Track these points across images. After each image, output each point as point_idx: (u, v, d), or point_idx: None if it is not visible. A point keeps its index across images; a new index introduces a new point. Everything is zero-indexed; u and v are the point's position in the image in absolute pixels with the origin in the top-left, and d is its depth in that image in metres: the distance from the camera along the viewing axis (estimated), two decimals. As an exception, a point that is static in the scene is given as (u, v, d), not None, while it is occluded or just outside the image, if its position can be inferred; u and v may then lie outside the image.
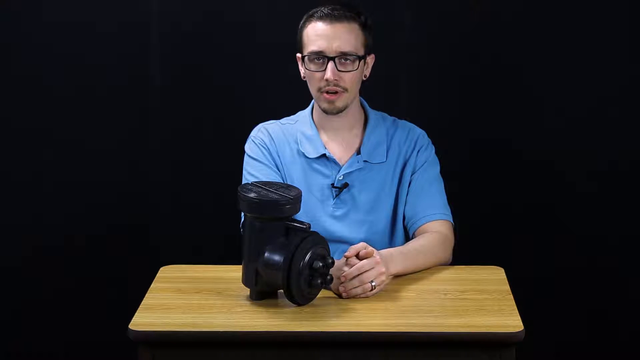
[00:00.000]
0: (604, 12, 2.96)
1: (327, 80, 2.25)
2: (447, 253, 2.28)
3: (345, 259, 2.07)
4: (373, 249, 2.08)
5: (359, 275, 2.03)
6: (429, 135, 2.41)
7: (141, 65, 3.01)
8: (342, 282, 2.04)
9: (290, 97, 2.51)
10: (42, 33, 2.98)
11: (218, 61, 3.01)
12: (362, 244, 2.09)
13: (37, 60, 3.00)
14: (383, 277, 2.06)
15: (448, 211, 2.35)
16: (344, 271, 2.04)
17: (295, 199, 1.99)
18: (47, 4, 2.97)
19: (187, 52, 3.01)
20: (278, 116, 2.44)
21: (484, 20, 2.98)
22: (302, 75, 2.34)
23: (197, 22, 3.00)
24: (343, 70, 2.26)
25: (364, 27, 2.29)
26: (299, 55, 2.33)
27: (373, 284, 2.03)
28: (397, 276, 2.15)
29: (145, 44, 3.00)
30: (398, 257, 2.14)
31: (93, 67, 3.00)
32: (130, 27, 2.99)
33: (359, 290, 2.04)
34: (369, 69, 2.34)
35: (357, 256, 2.07)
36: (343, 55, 2.25)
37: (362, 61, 2.29)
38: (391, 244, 2.35)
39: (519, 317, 1.94)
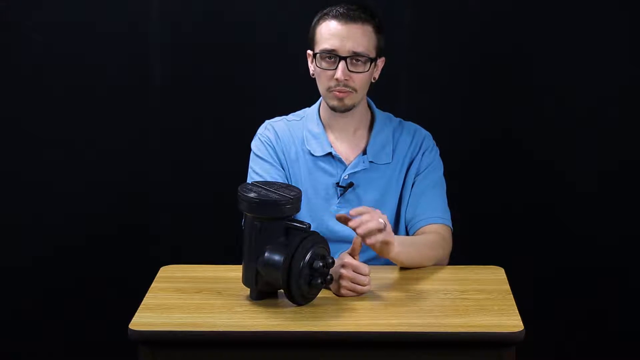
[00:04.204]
0: (604, 12, 2.96)
1: (337, 79, 2.25)
2: (445, 252, 2.29)
3: (340, 259, 2.06)
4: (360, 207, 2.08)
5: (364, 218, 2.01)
6: (432, 139, 2.41)
7: (141, 65, 3.01)
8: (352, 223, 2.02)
9: (291, 97, 2.52)
10: (42, 33, 2.98)
11: (218, 61, 3.01)
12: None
13: (37, 60, 3.00)
14: (387, 227, 2.04)
15: (448, 215, 2.35)
16: (340, 270, 2.04)
17: (295, 199, 1.99)
18: (47, 4, 2.97)
19: (187, 52, 3.01)
20: (278, 116, 2.44)
21: (484, 20, 2.98)
22: (311, 72, 2.34)
23: (197, 22, 3.00)
24: (354, 70, 2.26)
25: (377, 29, 2.29)
26: (309, 52, 2.33)
27: (381, 221, 2.02)
28: (399, 271, 2.16)
29: (145, 44, 3.00)
30: (405, 240, 2.18)
31: (93, 67, 3.00)
32: (130, 27, 2.98)
33: (373, 224, 2.00)
34: (379, 72, 2.34)
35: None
36: (355, 56, 2.25)
37: (373, 63, 2.29)
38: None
39: (519, 317, 1.94)
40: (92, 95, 3.02)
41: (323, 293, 2.05)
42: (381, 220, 2.03)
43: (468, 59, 3.01)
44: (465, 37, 3.00)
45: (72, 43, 2.99)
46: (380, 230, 2.03)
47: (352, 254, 2.07)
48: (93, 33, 2.98)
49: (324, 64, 2.27)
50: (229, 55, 3.00)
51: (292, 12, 2.46)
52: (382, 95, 2.52)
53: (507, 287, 2.11)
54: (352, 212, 2.05)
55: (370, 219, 2.02)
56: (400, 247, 2.13)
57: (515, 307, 1.99)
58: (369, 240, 2.02)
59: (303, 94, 2.46)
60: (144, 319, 1.94)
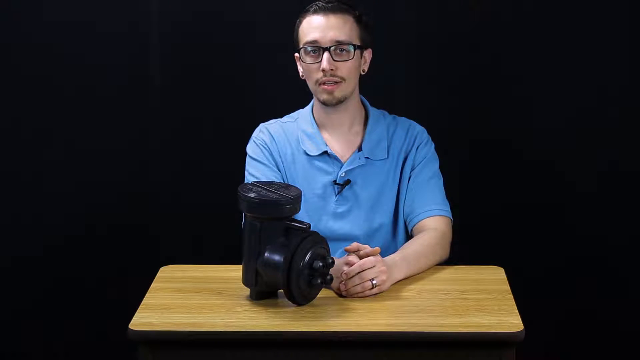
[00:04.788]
0: (604, 12, 2.96)
1: (323, 70, 2.26)
2: (445, 250, 2.29)
3: (345, 258, 2.07)
4: (373, 249, 2.09)
5: (360, 272, 2.04)
6: (427, 134, 2.41)
7: (141, 65, 3.01)
8: (342, 280, 2.05)
9: (291, 97, 2.51)
10: (42, 33, 2.98)
11: (218, 61, 3.01)
12: (365, 247, 2.10)
13: (37, 60, 2.99)
14: (384, 277, 2.06)
15: (446, 207, 2.35)
16: (342, 272, 2.05)
17: (295, 199, 1.99)
18: (47, 4, 2.97)
19: (187, 52, 3.01)
20: (278, 116, 2.44)
21: (484, 20, 2.98)
22: (300, 74, 2.35)
23: (197, 22, 3.00)
24: (339, 60, 2.26)
25: (358, 20, 2.30)
26: (296, 54, 2.34)
27: (374, 282, 2.04)
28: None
29: (145, 44, 3.00)
30: (401, 263, 2.15)
31: (93, 67, 3.00)
32: (130, 27, 2.99)
33: (358, 289, 2.04)
34: (367, 64, 2.35)
35: (359, 256, 2.08)
36: (338, 45, 2.26)
37: (359, 51, 2.29)
38: (394, 240, 2.36)
39: (519, 317, 1.94)
40: (92, 95, 3.02)
41: (323, 293, 2.05)
42: (368, 284, 2.04)
43: (468, 58, 3.01)
44: (465, 36, 2.99)
45: (72, 43, 2.99)
46: (372, 286, 2.05)
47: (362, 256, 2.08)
48: (93, 33, 2.98)
49: (308, 59, 2.28)
50: (229, 55, 3.00)
51: (292, 12, 2.46)
52: (381, 96, 2.52)
53: (507, 287, 2.11)
54: (347, 248, 2.10)
55: (360, 280, 2.04)
56: (400, 271, 2.13)
57: (515, 307, 1.99)
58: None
59: (303, 94, 2.45)
60: (144, 319, 1.94)
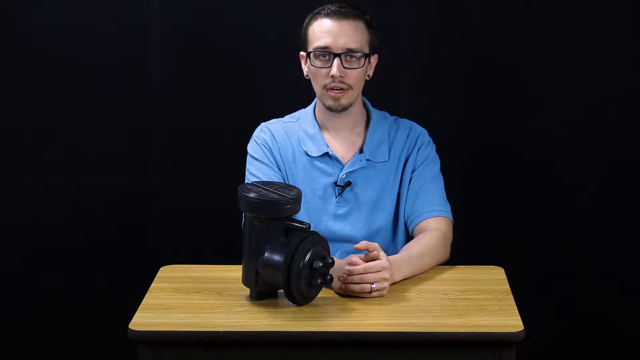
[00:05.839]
0: (604, 13, 2.96)
1: (332, 76, 2.25)
2: (446, 251, 2.28)
3: (348, 259, 2.07)
4: (382, 253, 2.08)
5: (362, 274, 2.03)
6: (429, 135, 2.41)
7: (141, 65, 3.01)
8: (342, 278, 2.04)
9: (290, 97, 2.51)
10: (42, 33, 2.98)
11: (218, 61, 3.01)
12: (375, 244, 2.09)
13: (37, 60, 3.00)
14: (385, 284, 2.05)
15: (447, 208, 2.35)
16: (345, 270, 2.04)
17: (295, 199, 1.99)
18: (47, 4, 2.97)
19: (187, 52, 3.01)
20: (278, 116, 2.44)
21: (484, 20, 2.98)
22: (305, 73, 2.34)
23: (197, 22, 3.00)
24: (348, 67, 2.26)
25: (369, 26, 2.30)
26: (302, 53, 2.33)
27: (373, 286, 2.03)
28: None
29: (145, 44, 3.00)
30: (403, 264, 2.14)
31: (93, 67, 3.00)
32: (130, 27, 2.99)
33: (356, 288, 2.03)
34: (372, 69, 2.35)
35: (365, 260, 2.07)
36: (349, 52, 2.26)
37: (367, 59, 2.29)
38: (393, 242, 2.36)
39: (519, 317, 1.94)
40: (92, 95, 3.02)
41: (323, 293, 2.05)
42: (367, 287, 2.03)
43: (468, 59, 3.01)
44: (465, 37, 3.00)
45: (72, 43, 2.99)
46: (370, 290, 2.04)
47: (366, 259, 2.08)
48: (93, 33, 2.98)
49: (318, 63, 2.28)
50: (229, 55, 3.00)
51: (292, 12, 2.46)
52: (382, 96, 2.52)
53: (507, 287, 2.11)
54: (356, 246, 2.08)
55: (359, 281, 2.03)
56: (401, 272, 2.13)
57: (515, 307, 1.99)
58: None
59: (303, 94, 2.45)
60: (144, 319, 1.94)
